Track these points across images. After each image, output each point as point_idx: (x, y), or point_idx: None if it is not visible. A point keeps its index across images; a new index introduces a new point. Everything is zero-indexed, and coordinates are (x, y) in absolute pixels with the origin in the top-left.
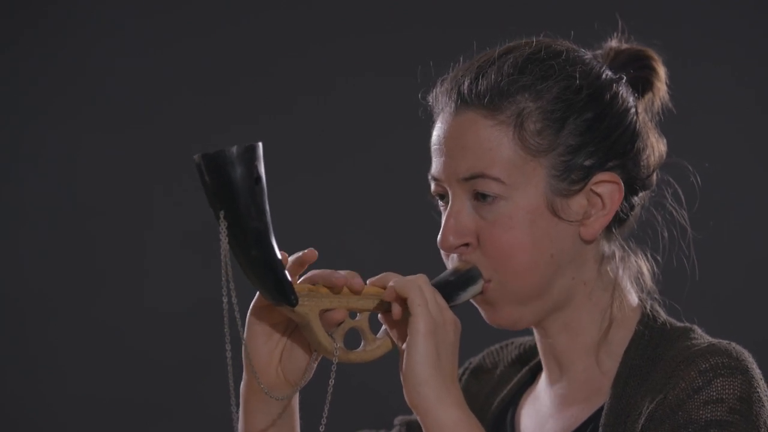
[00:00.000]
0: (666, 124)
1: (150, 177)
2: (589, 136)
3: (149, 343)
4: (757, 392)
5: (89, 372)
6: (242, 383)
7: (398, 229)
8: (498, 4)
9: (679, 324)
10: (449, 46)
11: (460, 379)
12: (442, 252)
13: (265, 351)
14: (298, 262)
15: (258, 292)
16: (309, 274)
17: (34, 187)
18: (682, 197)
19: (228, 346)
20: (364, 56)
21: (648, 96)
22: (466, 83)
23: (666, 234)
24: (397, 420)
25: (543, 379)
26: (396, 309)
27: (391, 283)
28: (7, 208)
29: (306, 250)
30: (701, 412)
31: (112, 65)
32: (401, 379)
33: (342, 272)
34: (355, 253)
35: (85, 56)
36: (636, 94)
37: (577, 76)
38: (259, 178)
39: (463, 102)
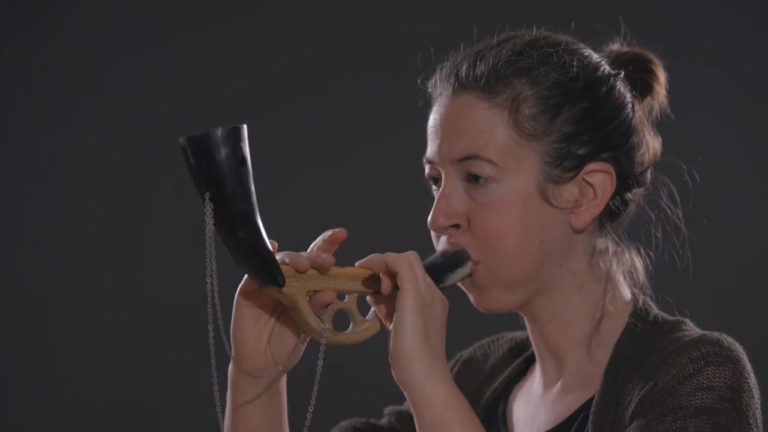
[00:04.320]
0: (661, 123)
1: (149, 176)
2: (584, 125)
3: (148, 341)
4: (747, 383)
5: (89, 370)
6: (230, 364)
7: (391, 224)
8: (498, 4)
9: (670, 317)
10: (449, 45)
11: (450, 370)
12: (432, 234)
13: (254, 333)
14: (330, 241)
15: (246, 275)
16: (293, 255)
17: (34, 186)
18: (676, 195)
19: (210, 326)
20: (364, 56)
21: (647, 99)
22: (464, 67)
23: (660, 230)
24: (387, 410)
25: (536, 371)
26: (385, 283)
27: (383, 255)
28: (7, 207)
29: (337, 229)
30: (691, 398)
31: (113, 65)
32: (389, 356)
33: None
34: (352, 249)
35: (85, 56)
36: (634, 93)
37: (575, 65)
38: (244, 159)
39: (461, 85)
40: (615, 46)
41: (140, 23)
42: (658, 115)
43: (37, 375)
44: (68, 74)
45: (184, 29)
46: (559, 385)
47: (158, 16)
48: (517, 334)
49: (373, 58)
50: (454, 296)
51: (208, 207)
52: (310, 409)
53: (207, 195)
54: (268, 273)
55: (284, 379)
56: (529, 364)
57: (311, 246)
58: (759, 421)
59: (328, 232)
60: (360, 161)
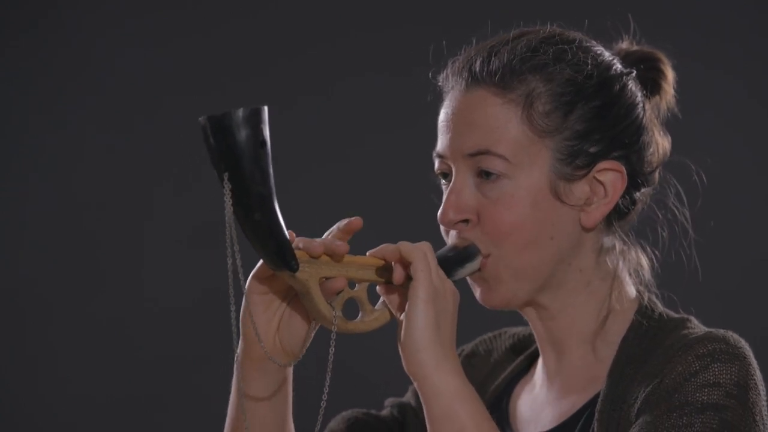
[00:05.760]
0: (669, 123)
1: (149, 176)
2: (596, 123)
3: (148, 341)
4: (754, 380)
5: (89, 370)
6: (238, 351)
7: (391, 224)
8: (498, 4)
9: (675, 315)
10: (450, 45)
11: None
12: (441, 228)
13: (264, 319)
14: (346, 229)
15: (259, 261)
16: (307, 240)
17: (34, 186)
18: (683, 195)
19: (232, 307)
20: (364, 56)
21: (655, 98)
22: (478, 62)
23: (666, 230)
24: (388, 401)
25: (539, 368)
26: (398, 272)
27: (397, 244)
28: (7, 207)
29: (353, 218)
30: (698, 394)
31: (113, 65)
32: (399, 347)
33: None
34: (352, 248)
35: (85, 56)
36: (644, 92)
37: (589, 62)
38: (264, 141)
39: (474, 80)
40: (624, 44)
41: (140, 23)
42: (667, 114)
43: (37, 375)
44: (68, 74)
45: (184, 29)
46: (563, 382)
47: (158, 16)
48: (519, 330)
49: (373, 58)
50: (460, 293)
51: (227, 187)
52: (324, 397)
53: (225, 176)
54: (282, 257)
55: (290, 368)
56: (532, 360)
57: (326, 234)
58: (765, 417)
59: (344, 221)
60: (360, 161)
